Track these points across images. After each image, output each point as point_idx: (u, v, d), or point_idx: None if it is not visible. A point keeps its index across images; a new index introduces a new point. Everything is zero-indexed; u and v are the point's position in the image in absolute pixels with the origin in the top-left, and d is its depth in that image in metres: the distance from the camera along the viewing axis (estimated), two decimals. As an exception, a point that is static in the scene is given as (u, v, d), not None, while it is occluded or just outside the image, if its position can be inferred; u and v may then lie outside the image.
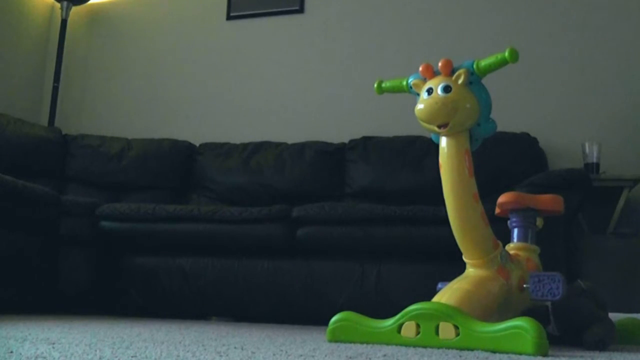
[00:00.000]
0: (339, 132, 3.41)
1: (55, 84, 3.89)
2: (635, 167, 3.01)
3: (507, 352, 1.20)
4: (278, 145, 3.34)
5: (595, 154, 2.91)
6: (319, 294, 2.50)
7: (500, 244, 1.51)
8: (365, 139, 3.23)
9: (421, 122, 1.46)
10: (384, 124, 3.35)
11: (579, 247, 2.62)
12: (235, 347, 1.25)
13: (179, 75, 3.90)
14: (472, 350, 1.24)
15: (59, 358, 0.95)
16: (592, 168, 2.90)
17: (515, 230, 1.67)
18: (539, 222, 1.70)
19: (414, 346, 1.30)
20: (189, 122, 3.79)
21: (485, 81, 1.42)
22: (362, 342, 1.36)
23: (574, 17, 3.30)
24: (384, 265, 2.47)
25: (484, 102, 1.40)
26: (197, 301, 2.61)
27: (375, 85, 1.59)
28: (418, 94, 1.46)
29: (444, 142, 1.46)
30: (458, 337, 1.26)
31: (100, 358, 0.98)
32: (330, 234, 2.54)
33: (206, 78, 3.85)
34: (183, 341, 1.37)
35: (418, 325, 1.31)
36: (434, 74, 1.44)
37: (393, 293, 2.42)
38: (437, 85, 1.40)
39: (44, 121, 3.89)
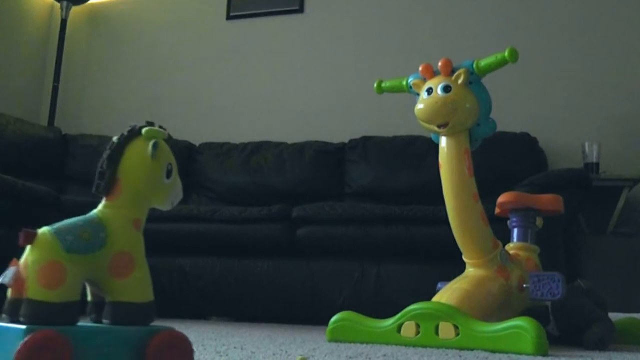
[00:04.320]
0: (339, 132, 3.40)
1: (55, 84, 3.89)
2: (635, 167, 3.00)
3: (507, 352, 1.20)
4: (278, 145, 3.33)
5: (595, 154, 2.91)
6: (319, 294, 2.50)
7: (500, 244, 1.51)
8: (365, 139, 3.23)
9: (421, 122, 1.46)
10: (384, 124, 3.35)
11: (579, 247, 2.62)
12: (235, 347, 1.24)
13: (178, 75, 3.90)
14: (472, 350, 1.24)
15: (59, 358, 0.94)
16: (592, 168, 2.89)
17: (515, 230, 1.68)
18: (539, 222, 1.70)
19: (414, 346, 1.30)
20: (189, 122, 3.79)
21: (485, 81, 1.42)
22: (362, 342, 1.36)
23: (574, 17, 3.30)
24: (384, 265, 2.47)
25: (484, 102, 1.41)
26: (197, 301, 2.61)
27: (375, 85, 1.59)
28: (418, 94, 1.46)
29: (444, 142, 1.46)
30: (458, 337, 1.26)
31: (100, 358, 0.98)
32: (330, 234, 2.54)
33: (206, 78, 3.85)
34: (183, 341, 1.37)
35: (418, 325, 1.31)
36: (434, 74, 1.44)
37: (393, 293, 2.42)
38: (437, 85, 1.40)
39: (44, 121, 3.89)
